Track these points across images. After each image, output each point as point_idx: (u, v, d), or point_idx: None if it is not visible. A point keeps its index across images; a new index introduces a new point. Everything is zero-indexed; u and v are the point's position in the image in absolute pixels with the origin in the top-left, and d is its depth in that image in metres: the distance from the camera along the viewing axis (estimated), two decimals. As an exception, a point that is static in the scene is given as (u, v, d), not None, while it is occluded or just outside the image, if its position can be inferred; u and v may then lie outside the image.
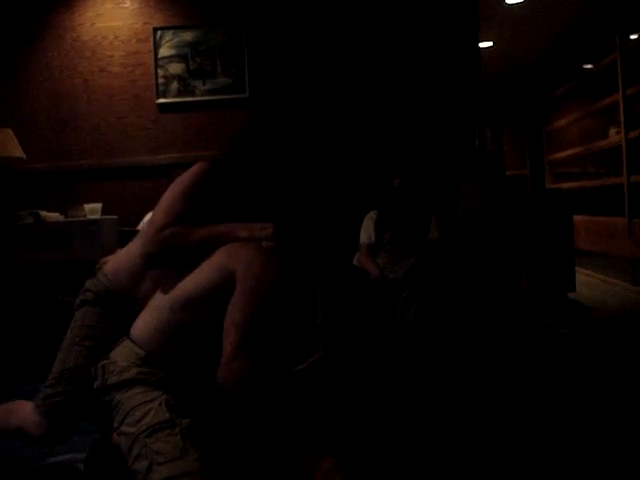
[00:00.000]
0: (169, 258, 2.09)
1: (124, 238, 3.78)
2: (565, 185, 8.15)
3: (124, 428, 1.89)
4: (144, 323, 2.06)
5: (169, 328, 2.00)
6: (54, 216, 4.69)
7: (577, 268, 5.75)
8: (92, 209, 4.71)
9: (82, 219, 4.61)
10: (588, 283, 6.50)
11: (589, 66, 8.11)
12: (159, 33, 5.29)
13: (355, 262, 4.55)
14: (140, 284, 2.24)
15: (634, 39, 6.47)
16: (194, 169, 2.22)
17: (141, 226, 4.24)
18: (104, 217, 4.73)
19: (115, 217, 4.89)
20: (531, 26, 7.63)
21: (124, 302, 2.25)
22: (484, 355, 3.97)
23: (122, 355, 2.01)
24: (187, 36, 5.26)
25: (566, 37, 8.12)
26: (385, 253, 4.53)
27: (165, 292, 2.07)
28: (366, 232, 4.59)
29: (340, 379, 3.56)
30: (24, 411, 2.25)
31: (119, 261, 2.33)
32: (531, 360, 3.86)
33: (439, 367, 3.73)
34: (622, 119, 6.24)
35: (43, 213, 4.61)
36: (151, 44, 5.28)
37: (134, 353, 1.99)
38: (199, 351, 2.05)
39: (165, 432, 1.83)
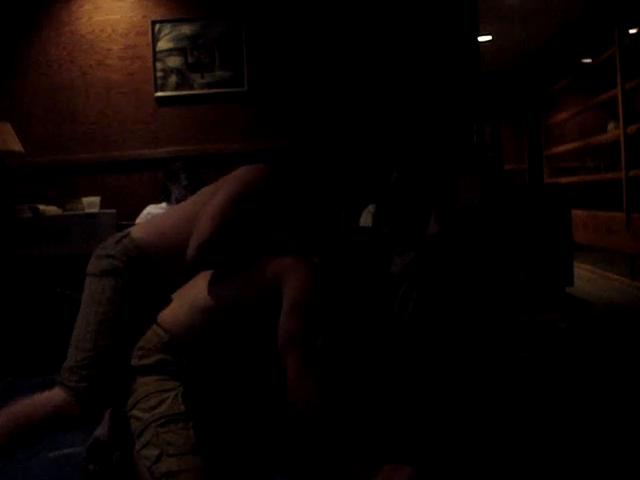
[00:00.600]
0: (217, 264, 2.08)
1: (122, 232, 3.78)
2: (564, 179, 8.16)
3: (136, 412, 1.91)
4: (174, 312, 2.07)
5: (199, 324, 2.02)
6: (53, 210, 4.69)
7: (575, 263, 5.75)
8: (90, 203, 4.71)
9: (80, 213, 4.62)
10: (586, 278, 6.51)
11: (588, 60, 8.10)
12: (158, 26, 5.27)
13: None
14: (173, 267, 2.18)
15: (633, 33, 6.46)
16: (251, 171, 2.20)
17: (140, 220, 4.24)
18: (102, 211, 4.73)
19: (113, 211, 4.88)
20: (530, 20, 7.61)
21: (155, 275, 2.18)
22: (482, 349, 3.98)
23: (148, 338, 2.03)
24: (186, 29, 5.25)
25: (565, 31, 8.11)
26: (384, 247, 4.53)
27: (203, 287, 2.06)
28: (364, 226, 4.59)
29: (339, 373, 3.56)
30: (53, 397, 2.08)
31: (151, 234, 2.23)
32: (529, 354, 3.86)
33: (438, 361, 3.73)
34: (621, 113, 6.24)
35: (42, 207, 4.61)
36: (149, 37, 5.26)
37: (158, 336, 2.01)
38: (225, 351, 2.06)
39: (179, 425, 1.85)
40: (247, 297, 2.02)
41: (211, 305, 2.02)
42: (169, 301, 2.13)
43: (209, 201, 2.16)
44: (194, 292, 2.08)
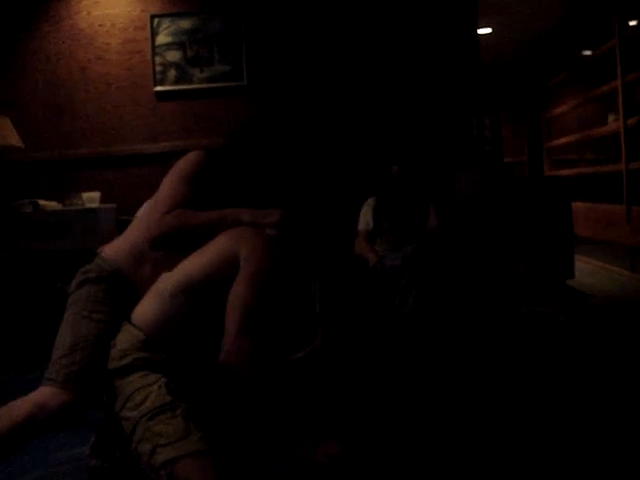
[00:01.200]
0: (174, 241, 2.13)
1: (122, 226, 3.78)
2: (564, 172, 8.16)
3: (125, 413, 1.91)
4: (145, 307, 2.08)
5: (170, 312, 2.02)
6: (52, 205, 4.69)
7: (576, 255, 5.75)
8: (90, 198, 4.70)
9: (80, 208, 4.61)
10: (587, 270, 6.51)
11: (588, 52, 8.09)
12: (156, 20, 5.26)
13: (354, 249, 4.56)
14: (141, 268, 2.24)
15: (633, 25, 6.45)
16: (192, 156, 2.30)
17: (139, 214, 4.23)
18: (102, 205, 4.73)
19: (113, 205, 4.89)
20: (530, 12, 7.59)
21: (127, 283, 2.24)
22: (483, 342, 3.98)
23: (122, 339, 2.03)
24: (184, 24, 5.24)
25: (565, 23, 8.09)
26: (384, 240, 4.54)
27: (166, 276, 2.09)
28: (364, 219, 4.60)
29: (339, 367, 3.56)
30: (32, 397, 2.07)
31: (118, 247, 2.31)
32: (530, 347, 3.87)
33: (438, 354, 3.74)
34: (621, 106, 6.24)
35: (42, 202, 4.60)
36: (148, 32, 5.25)
37: (134, 336, 2.01)
38: (199, 334, 2.07)
39: (167, 414, 1.86)
40: (208, 274, 2.03)
41: (174, 290, 2.03)
42: (143, 298, 2.15)
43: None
44: (158, 284, 2.10)
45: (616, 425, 2.65)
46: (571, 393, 3.06)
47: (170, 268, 2.11)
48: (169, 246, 2.15)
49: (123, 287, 2.24)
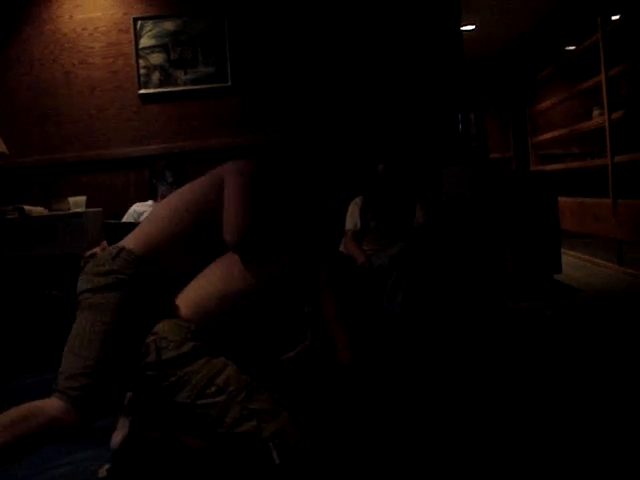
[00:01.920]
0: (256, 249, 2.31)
1: (109, 230, 3.77)
2: (550, 167, 8.19)
3: (206, 400, 1.98)
4: (191, 302, 2.18)
5: (220, 310, 2.16)
6: (38, 210, 4.66)
7: (563, 250, 5.78)
8: (76, 202, 4.69)
9: (67, 212, 4.60)
10: (574, 264, 6.54)
11: (572, 48, 8.12)
12: (140, 23, 5.24)
13: (341, 249, 4.55)
14: (177, 261, 2.31)
15: (615, 20, 6.48)
16: (248, 163, 2.48)
17: (126, 218, 4.23)
18: (89, 210, 4.72)
19: (100, 209, 4.87)
20: (513, 8, 7.62)
21: (159, 278, 2.26)
22: (471, 339, 3.99)
23: (171, 330, 2.08)
24: (168, 26, 5.22)
25: (548, 19, 8.12)
26: (371, 239, 4.54)
27: (215, 278, 2.24)
28: (351, 218, 4.59)
29: (329, 367, 3.56)
30: (48, 405, 2.01)
31: (146, 241, 2.30)
32: (517, 343, 3.88)
33: (427, 352, 3.74)
34: (605, 100, 6.26)
35: (27, 207, 4.58)
36: (132, 34, 5.23)
37: (184, 328, 2.08)
38: (246, 328, 2.24)
39: (256, 393, 2.00)
40: (260, 283, 2.22)
41: (228, 292, 2.18)
42: (181, 294, 2.24)
43: (209, 193, 2.41)
44: (208, 284, 2.22)
45: (606, 419, 2.66)
46: (561, 388, 3.07)
47: (215, 267, 2.28)
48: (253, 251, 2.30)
49: (153, 279, 2.24)
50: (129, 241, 2.32)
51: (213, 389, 1.97)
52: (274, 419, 1.93)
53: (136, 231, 2.38)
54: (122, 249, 2.26)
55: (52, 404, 2.01)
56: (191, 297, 2.18)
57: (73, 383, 2.02)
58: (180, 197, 2.47)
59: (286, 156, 2.32)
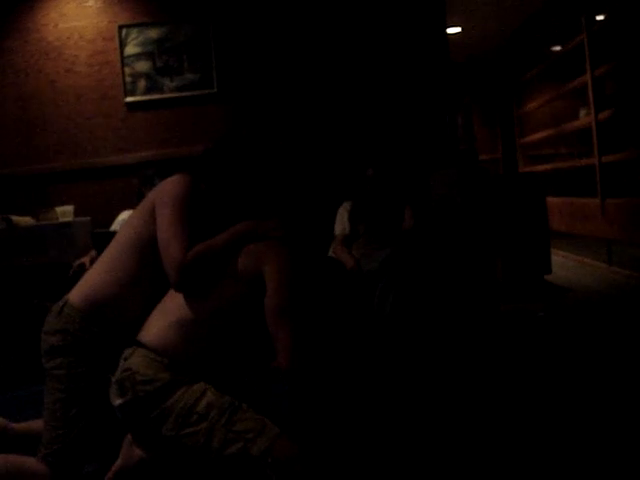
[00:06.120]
0: (199, 275, 2.11)
1: (97, 239, 3.76)
2: (538, 168, 8.20)
3: (190, 429, 1.94)
4: (162, 331, 2.08)
5: (196, 338, 2.06)
6: (26, 220, 4.64)
7: (553, 250, 5.79)
8: (64, 212, 4.67)
9: (54, 222, 4.58)
10: (564, 264, 6.55)
11: (557, 48, 8.15)
12: (124, 31, 5.24)
13: (330, 254, 4.54)
14: (128, 306, 2.21)
15: (600, 20, 6.50)
16: (177, 184, 2.24)
17: (114, 226, 4.21)
18: (76, 219, 4.71)
19: (88, 218, 4.86)
20: (498, 10, 7.64)
21: (108, 331, 2.20)
22: (463, 342, 3.99)
23: (143, 364, 2.02)
24: (153, 33, 5.22)
25: (533, 20, 8.14)
26: (360, 244, 4.52)
27: (181, 303, 2.10)
28: (341, 223, 4.57)
29: (319, 372, 3.55)
30: (34, 470, 2.12)
31: (92, 293, 2.23)
32: (509, 344, 3.88)
33: (418, 356, 3.74)
34: (591, 100, 6.28)
35: (15, 218, 4.56)
36: (117, 42, 5.23)
37: (156, 361, 2.02)
38: (223, 353, 2.14)
39: (238, 413, 1.95)
40: (231, 294, 2.09)
41: (198, 314, 2.07)
42: (146, 323, 2.15)
43: (141, 229, 2.23)
44: (176, 309, 2.10)
45: (600, 418, 2.66)
46: (551, 388, 3.07)
47: (183, 295, 2.12)
48: (196, 281, 2.11)
49: (101, 329, 2.20)
50: (74, 293, 2.26)
51: (195, 417, 1.94)
52: (261, 437, 1.89)
53: (82, 281, 2.31)
54: (65, 303, 2.23)
55: (38, 467, 2.11)
56: (163, 327, 2.08)
57: (48, 450, 2.12)
58: (125, 232, 2.31)
59: (239, 159, 2.18)
